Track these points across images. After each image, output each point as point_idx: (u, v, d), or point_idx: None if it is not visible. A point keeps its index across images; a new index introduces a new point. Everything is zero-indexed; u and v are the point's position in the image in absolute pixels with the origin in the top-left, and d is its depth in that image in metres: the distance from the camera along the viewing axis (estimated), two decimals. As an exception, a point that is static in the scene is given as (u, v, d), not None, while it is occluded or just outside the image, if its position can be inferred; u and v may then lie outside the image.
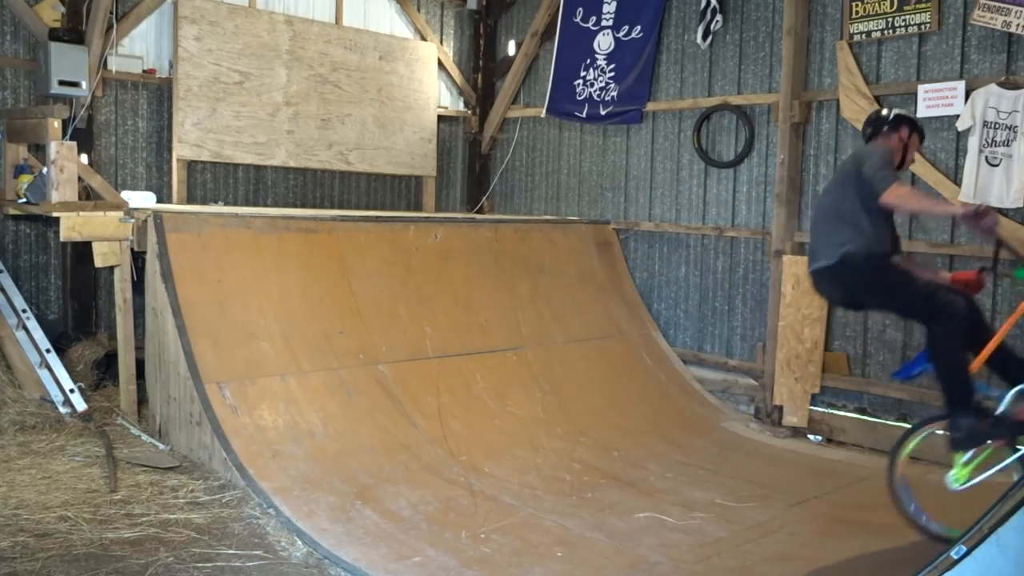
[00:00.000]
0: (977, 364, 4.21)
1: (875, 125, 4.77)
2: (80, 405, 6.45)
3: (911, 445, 4.58)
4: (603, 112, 8.97)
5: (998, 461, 4.17)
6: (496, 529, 4.93)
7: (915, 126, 4.67)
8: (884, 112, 4.84)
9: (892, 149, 4.61)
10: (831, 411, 7.33)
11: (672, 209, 8.62)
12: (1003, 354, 4.27)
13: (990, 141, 6.35)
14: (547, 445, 6.42)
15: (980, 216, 3.90)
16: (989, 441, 4.14)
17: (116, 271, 6.56)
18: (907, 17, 6.82)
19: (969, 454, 4.21)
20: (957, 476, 4.27)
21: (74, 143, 6.53)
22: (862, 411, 7.20)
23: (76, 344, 7.36)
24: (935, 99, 6.65)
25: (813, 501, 5.65)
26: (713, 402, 7.91)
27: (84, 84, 7.29)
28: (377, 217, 7.53)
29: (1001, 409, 4.19)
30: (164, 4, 8.05)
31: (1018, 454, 4.06)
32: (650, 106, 8.68)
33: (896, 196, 4.08)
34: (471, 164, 10.53)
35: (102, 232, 6.40)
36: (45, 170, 6.44)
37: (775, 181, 7.63)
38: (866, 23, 7.05)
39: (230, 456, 5.34)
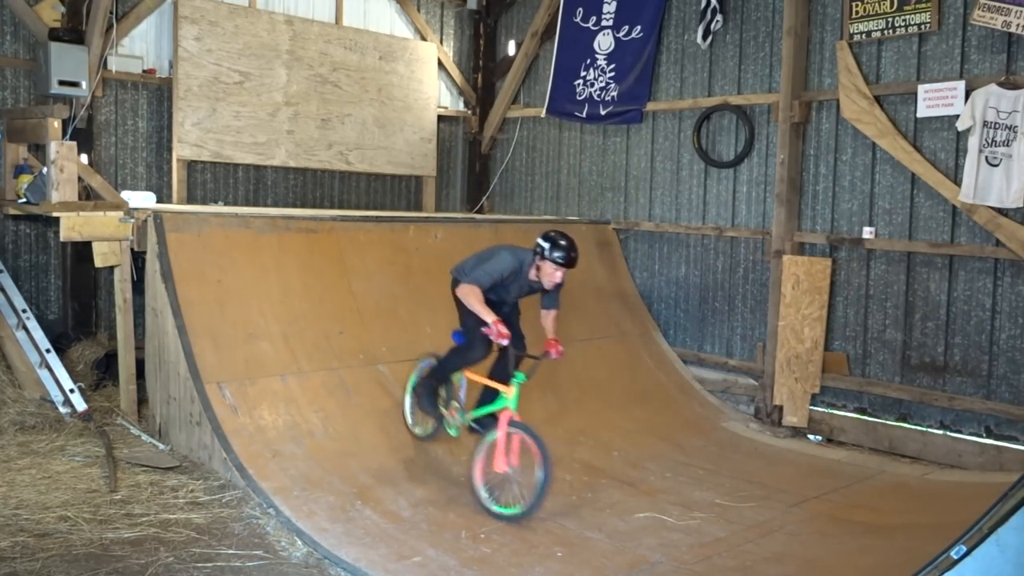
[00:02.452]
0: (473, 377, 5.65)
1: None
2: (80, 405, 6.45)
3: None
4: (603, 112, 8.97)
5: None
6: (496, 529, 4.93)
7: (544, 255, 5.31)
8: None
9: (519, 268, 5.46)
10: (831, 411, 7.33)
11: (672, 209, 8.62)
12: (486, 396, 5.61)
13: (990, 141, 6.35)
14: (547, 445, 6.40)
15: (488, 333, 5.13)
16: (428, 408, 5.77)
17: (116, 271, 6.56)
18: (907, 17, 6.82)
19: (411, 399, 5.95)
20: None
21: (74, 143, 6.53)
22: (862, 411, 7.20)
23: (76, 344, 7.37)
24: (935, 99, 6.65)
25: (813, 501, 5.66)
26: (713, 402, 7.90)
27: (84, 84, 7.29)
28: (377, 217, 7.53)
29: (443, 402, 5.76)
30: (164, 4, 8.05)
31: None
32: (650, 106, 8.68)
33: (463, 289, 5.33)
34: (471, 164, 10.53)
35: (102, 232, 6.40)
36: (45, 170, 6.44)
37: (775, 181, 7.63)
38: (866, 23, 7.05)
39: (230, 456, 5.34)
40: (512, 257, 5.46)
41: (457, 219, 8.20)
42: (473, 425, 5.61)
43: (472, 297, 5.26)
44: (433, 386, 5.74)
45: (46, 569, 4.07)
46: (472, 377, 5.67)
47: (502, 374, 5.44)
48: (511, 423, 5.16)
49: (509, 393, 5.23)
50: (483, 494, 5.17)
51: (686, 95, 8.47)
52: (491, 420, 5.39)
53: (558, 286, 5.40)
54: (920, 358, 6.92)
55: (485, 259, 5.52)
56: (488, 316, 5.18)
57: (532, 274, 5.42)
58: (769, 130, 7.83)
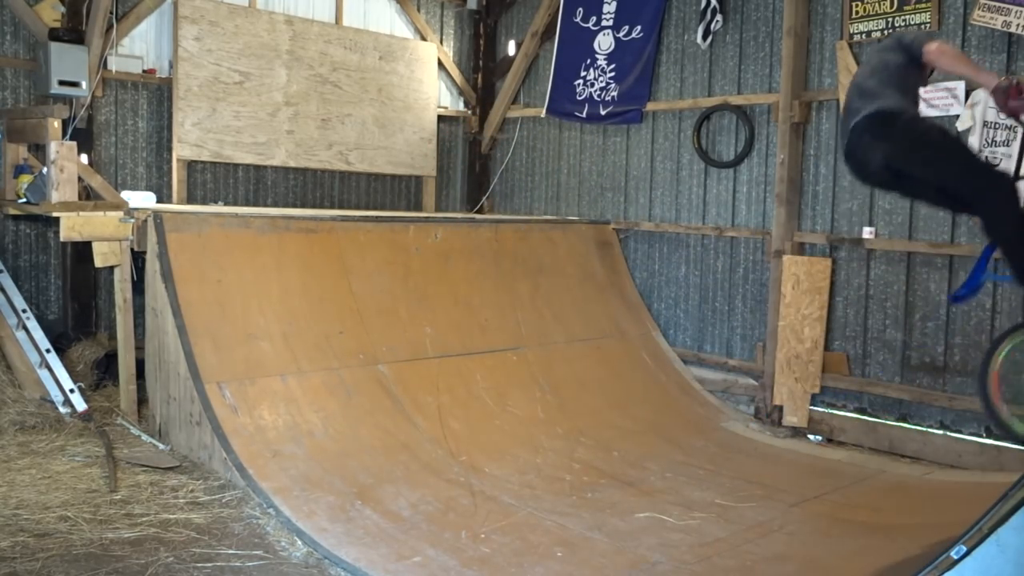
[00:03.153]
0: None
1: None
2: (80, 405, 6.45)
3: (1006, 349, 3.98)
4: (603, 112, 8.97)
5: None
6: (496, 529, 4.93)
7: None
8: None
9: None
10: (831, 411, 7.33)
11: (672, 209, 8.62)
12: None
13: (990, 141, 6.35)
14: (547, 445, 6.41)
15: (1008, 95, 3.56)
16: None
17: (116, 271, 6.56)
18: (907, 17, 6.82)
19: None
20: None
21: (74, 143, 6.53)
22: (862, 411, 7.20)
23: (76, 344, 7.36)
24: (935, 99, 6.65)
25: (813, 501, 5.65)
26: (713, 402, 7.90)
27: (84, 84, 7.29)
28: (377, 217, 7.54)
29: None
30: (164, 4, 8.05)
31: None
32: (650, 106, 8.68)
33: (939, 50, 3.77)
34: (471, 164, 10.53)
35: (102, 232, 6.40)
36: (45, 170, 6.44)
37: (775, 181, 7.63)
38: (866, 23, 7.05)
39: (230, 456, 5.34)
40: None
41: (457, 219, 8.20)
42: None
43: (955, 58, 3.80)
44: None
45: (46, 569, 4.07)
46: None
47: None
48: None
49: None
50: None
51: (686, 95, 8.47)
52: None
53: None
54: (920, 358, 6.91)
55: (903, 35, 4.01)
56: (989, 75, 3.76)
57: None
58: (769, 130, 7.83)
